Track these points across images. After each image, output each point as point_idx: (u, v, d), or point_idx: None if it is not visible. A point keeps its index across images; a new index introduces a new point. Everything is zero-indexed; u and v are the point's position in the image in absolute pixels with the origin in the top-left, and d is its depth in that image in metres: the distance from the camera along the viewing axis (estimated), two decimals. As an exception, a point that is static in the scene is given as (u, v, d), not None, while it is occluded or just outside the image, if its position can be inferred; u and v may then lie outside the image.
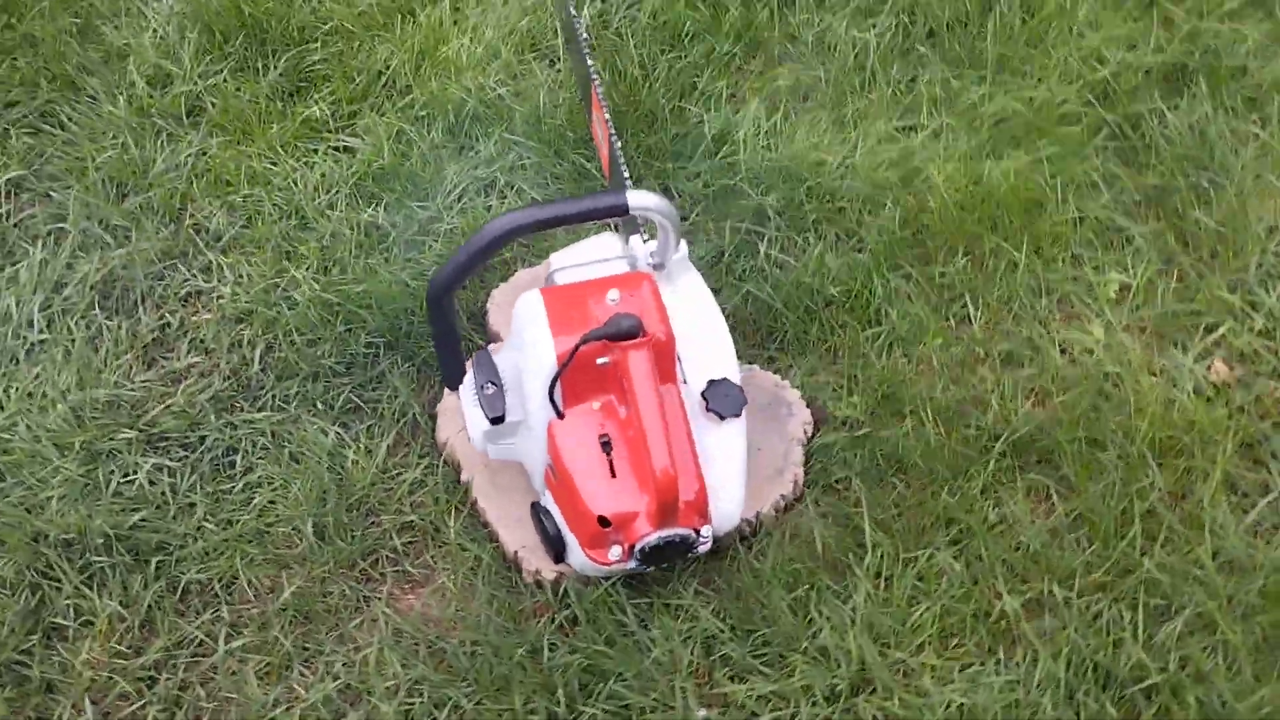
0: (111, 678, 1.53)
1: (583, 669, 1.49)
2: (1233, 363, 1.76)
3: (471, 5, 2.29)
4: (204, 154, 2.09)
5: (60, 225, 2.02)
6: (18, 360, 1.84)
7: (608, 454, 1.47)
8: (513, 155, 2.05)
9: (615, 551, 1.48)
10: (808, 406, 1.75)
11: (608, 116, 1.80)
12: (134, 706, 1.51)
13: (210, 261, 1.96)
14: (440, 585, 1.61)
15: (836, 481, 1.68)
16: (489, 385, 1.52)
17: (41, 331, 1.87)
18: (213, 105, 2.17)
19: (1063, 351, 1.78)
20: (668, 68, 2.15)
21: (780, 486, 1.65)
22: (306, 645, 1.56)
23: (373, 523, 1.67)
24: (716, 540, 1.55)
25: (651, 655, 1.50)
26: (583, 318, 1.48)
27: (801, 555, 1.58)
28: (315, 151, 2.08)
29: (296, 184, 2.03)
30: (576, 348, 1.43)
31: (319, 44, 2.24)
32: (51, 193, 2.08)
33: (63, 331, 1.87)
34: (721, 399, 1.54)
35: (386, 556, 1.64)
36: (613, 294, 1.50)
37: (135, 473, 1.71)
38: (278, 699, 1.51)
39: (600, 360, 1.45)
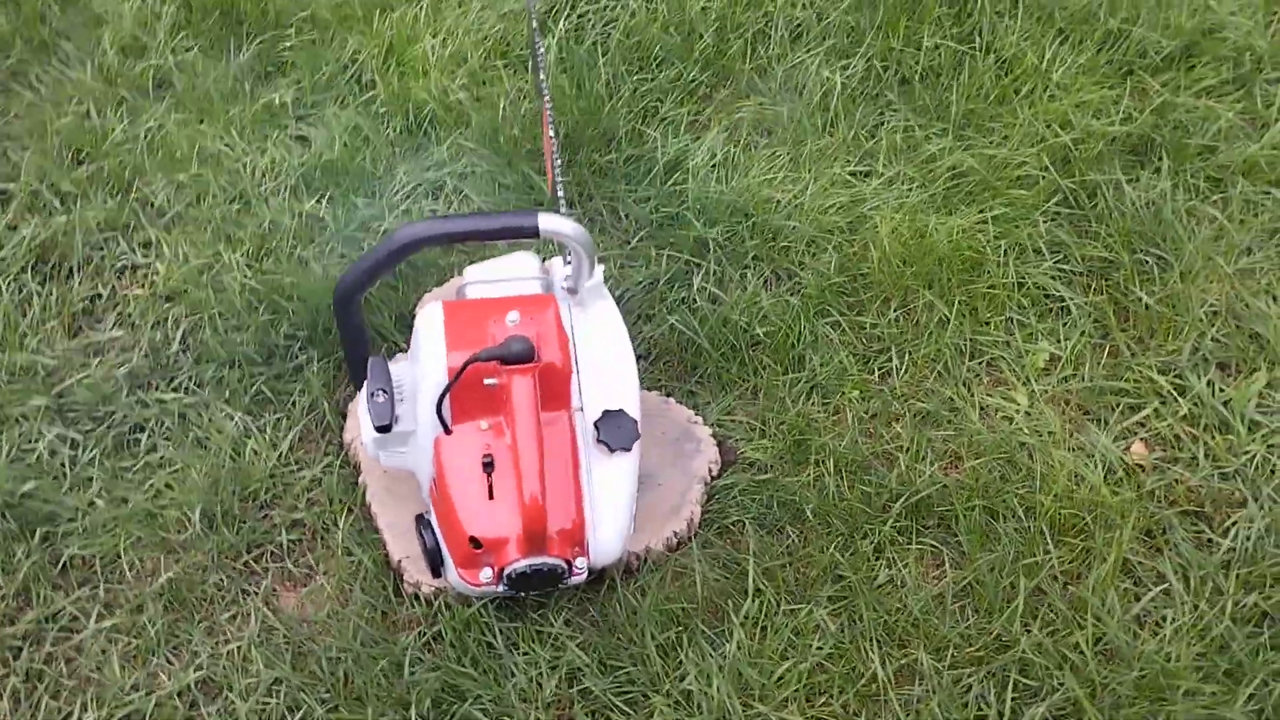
0: (-21, 644, 1.53)
1: (441, 688, 1.48)
2: (1153, 445, 1.73)
3: (452, 6, 2.29)
4: (161, 128, 2.10)
5: (9, 185, 2.02)
6: (-57, 317, 1.85)
7: (489, 475, 1.45)
8: (465, 161, 2.04)
9: (486, 574, 1.47)
10: (717, 445, 1.73)
11: (552, 134, 1.79)
12: (-4, 675, 1.51)
13: (151, 237, 1.97)
14: (319, 586, 1.60)
15: (732, 524, 1.66)
16: (380, 393, 1.51)
17: (-29, 291, 1.88)
18: (179, 81, 2.17)
19: (982, 416, 1.75)
20: (633, 89, 2.14)
21: (675, 523, 1.63)
22: (175, 633, 1.55)
23: (264, 516, 1.67)
24: (597, 572, 1.54)
25: (513, 681, 1.49)
26: (479, 336, 1.47)
27: (681, 596, 1.56)
28: (269, 138, 2.08)
29: (245, 168, 2.03)
30: (465, 366, 1.42)
31: (293, 30, 2.25)
32: (9, 153, 2.09)
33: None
34: (613, 430, 1.53)
35: (271, 552, 1.64)
36: (513, 315, 1.49)
37: (37, 441, 1.71)
38: (137, 684, 1.50)
39: (488, 381, 1.44)
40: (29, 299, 1.89)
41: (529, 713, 1.46)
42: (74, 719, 1.48)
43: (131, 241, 1.97)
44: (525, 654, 1.51)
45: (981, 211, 1.96)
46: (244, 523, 1.65)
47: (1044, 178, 2.00)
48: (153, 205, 2.01)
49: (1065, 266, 1.91)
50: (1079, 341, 1.82)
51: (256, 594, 1.59)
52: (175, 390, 1.79)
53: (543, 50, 2.02)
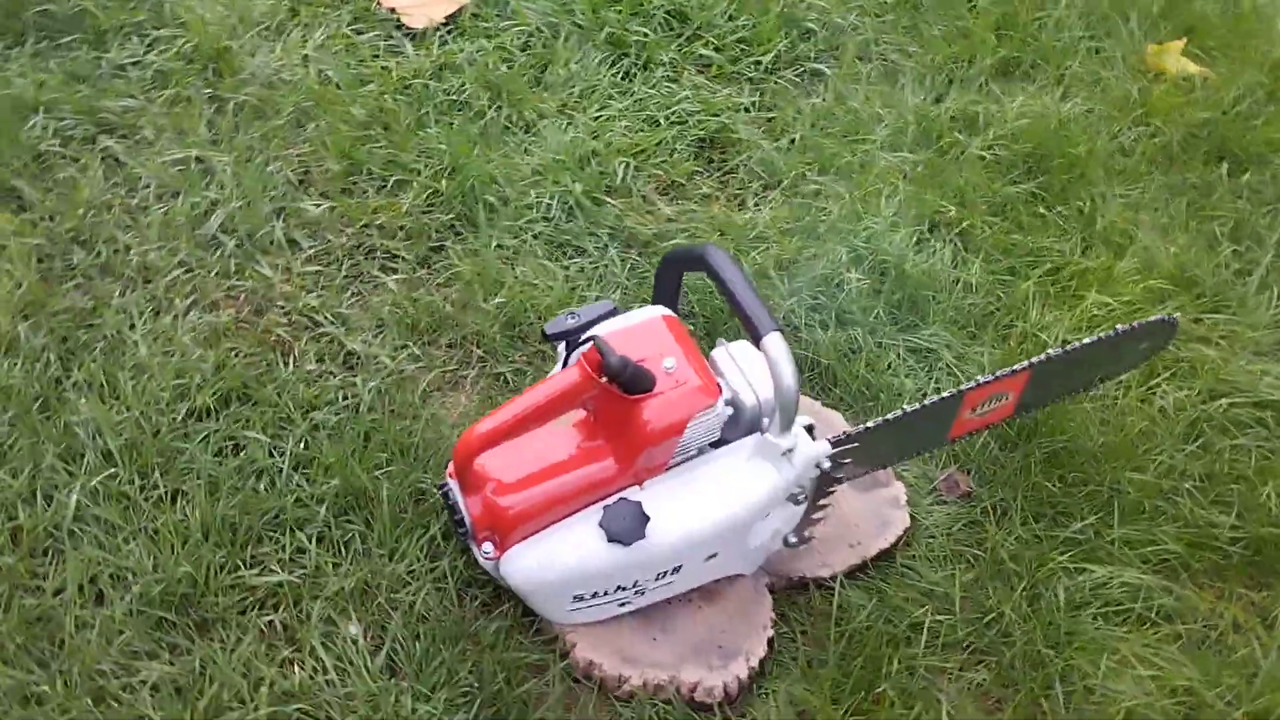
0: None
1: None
2: None
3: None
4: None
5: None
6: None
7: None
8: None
9: (450, 468, 1.53)
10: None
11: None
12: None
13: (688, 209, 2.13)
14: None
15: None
16: (572, 316, 1.56)
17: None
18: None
19: None
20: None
21: (614, 668, 1.51)
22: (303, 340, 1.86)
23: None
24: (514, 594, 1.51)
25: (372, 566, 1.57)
26: (639, 346, 1.46)
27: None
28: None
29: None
30: (587, 336, 1.44)
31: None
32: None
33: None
34: (617, 516, 1.44)
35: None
36: (670, 361, 1.46)
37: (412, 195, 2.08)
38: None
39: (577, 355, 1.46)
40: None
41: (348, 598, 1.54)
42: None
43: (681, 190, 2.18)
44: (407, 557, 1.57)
45: None
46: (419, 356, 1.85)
47: None
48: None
49: None
50: None
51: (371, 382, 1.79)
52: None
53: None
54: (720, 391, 1.47)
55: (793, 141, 2.25)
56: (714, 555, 1.52)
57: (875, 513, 1.72)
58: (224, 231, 1.96)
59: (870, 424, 1.56)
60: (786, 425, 1.45)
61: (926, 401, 1.58)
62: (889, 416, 1.57)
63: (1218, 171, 2.25)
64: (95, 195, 1.98)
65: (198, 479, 1.62)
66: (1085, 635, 1.57)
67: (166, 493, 1.62)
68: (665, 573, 1.50)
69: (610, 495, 1.47)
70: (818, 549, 1.66)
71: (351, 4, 2.40)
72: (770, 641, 1.58)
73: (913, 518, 1.72)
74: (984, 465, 1.77)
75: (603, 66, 2.34)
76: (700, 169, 2.21)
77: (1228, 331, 1.99)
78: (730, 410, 1.50)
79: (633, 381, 1.41)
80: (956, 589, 1.62)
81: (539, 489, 1.46)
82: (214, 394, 1.72)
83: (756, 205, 2.15)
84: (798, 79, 2.40)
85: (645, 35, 2.39)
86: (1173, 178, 2.22)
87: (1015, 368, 1.63)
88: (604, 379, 1.40)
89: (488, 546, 1.48)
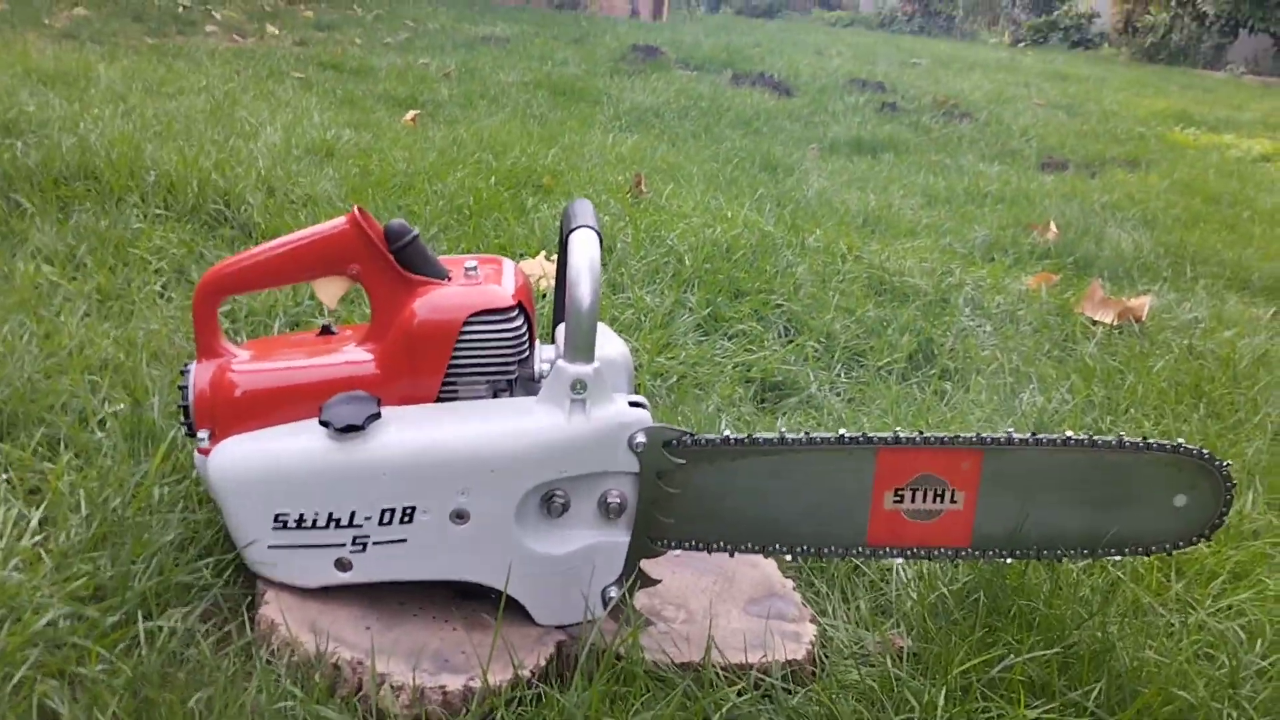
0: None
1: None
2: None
3: None
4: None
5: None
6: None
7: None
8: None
9: None
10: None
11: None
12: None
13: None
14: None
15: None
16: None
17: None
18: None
19: None
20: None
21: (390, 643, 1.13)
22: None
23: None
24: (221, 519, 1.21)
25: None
26: (460, 264, 1.26)
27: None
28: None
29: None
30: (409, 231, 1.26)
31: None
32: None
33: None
34: (339, 401, 1.14)
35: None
36: (474, 264, 1.23)
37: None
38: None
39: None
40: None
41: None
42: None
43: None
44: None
45: None
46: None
47: None
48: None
49: None
50: None
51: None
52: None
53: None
54: (516, 300, 1.20)
55: (860, 405, 1.99)
56: (463, 518, 1.14)
57: (755, 634, 1.25)
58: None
59: (730, 435, 1.20)
60: (581, 348, 1.15)
61: (818, 435, 1.21)
62: (759, 435, 1.20)
63: None
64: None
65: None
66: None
67: None
68: (392, 514, 1.14)
69: (336, 368, 1.21)
70: (650, 634, 1.21)
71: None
72: (519, 681, 1.11)
73: (817, 667, 1.23)
74: (931, 630, 1.27)
75: (691, 330, 2.24)
76: (744, 395, 1.99)
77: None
78: (546, 366, 1.22)
79: (411, 251, 1.20)
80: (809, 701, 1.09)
81: (278, 374, 1.21)
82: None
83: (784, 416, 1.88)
84: (902, 380, 2.17)
85: (753, 327, 2.30)
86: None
87: (957, 434, 1.23)
88: (360, 228, 1.19)
89: (204, 435, 1.20)
